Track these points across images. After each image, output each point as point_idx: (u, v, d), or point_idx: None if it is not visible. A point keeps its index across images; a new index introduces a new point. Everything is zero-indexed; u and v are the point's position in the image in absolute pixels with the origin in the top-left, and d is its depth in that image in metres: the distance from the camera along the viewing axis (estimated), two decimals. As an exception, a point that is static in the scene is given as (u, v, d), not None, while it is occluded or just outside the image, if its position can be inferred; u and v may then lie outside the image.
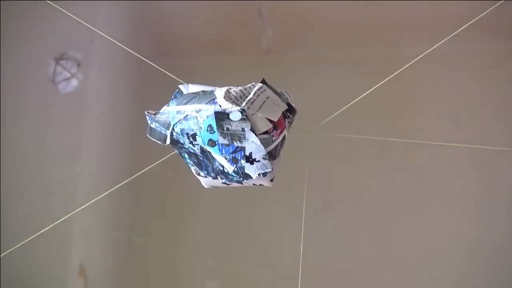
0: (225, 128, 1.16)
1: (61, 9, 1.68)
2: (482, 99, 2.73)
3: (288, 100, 1.22)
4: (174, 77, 1.33)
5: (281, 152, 1.21)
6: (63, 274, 2.42)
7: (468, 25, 1.45)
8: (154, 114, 1.25)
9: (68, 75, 2.21)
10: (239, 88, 1.18)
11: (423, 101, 2.80)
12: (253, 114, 1.15)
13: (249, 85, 1.19)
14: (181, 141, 1.22)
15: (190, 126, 1.19)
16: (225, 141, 1.17)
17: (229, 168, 1.20)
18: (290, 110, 1.22)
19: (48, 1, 1.67)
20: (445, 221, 2.80)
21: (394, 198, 2.86)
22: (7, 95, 2.46)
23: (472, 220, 2.78)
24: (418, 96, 2.77)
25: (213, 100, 1.18)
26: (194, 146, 1.21)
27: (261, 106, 1.16)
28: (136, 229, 2.96)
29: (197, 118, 1.18)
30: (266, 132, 1.16)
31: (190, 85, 1.26)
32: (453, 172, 2.78)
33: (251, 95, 1.17)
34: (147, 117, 1.25)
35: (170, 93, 1.27)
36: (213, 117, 1.16)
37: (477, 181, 2.81)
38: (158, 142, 1.25)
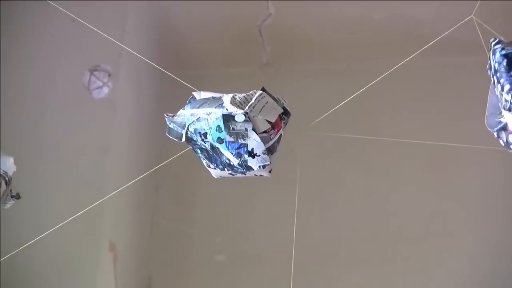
0: (231, 128, 1.16)
1: (96, 29, 1.68)
2: (445, 104, 2.73)
3: (284, 105, 1.22)
4: (189, 86, 1.33)
5: (278, 148, 1.21)
6: (96, 249, 2.43)
7: (431, 44, 1.45)
8: (172, 116, 1.25)
9: (100, 84, 2.21)
10: (243, 94, 1.18)
11: (397, 105, 2.81)
12: (254, 116, 1.15)
13: (251, 92, 1.19)
14: (194, 139, 1.22)
15: (202, 126, 1.19)
16: (231, 139, 1.17)
17: (234, 161, 1.20)
18: (286, 113, 1.22)
19: (84, 22, 1.67)
20: (411, 200, 2.83)
21: (371, 184, 2.87)
22: (52, 101, 2.47)
23: (434, 199, 2.81)
24: (392, 102, 2.78)
25: (221, 105, 1.18)
26: (205, 143, 1.21)
27: (261, 109, 1.16)
28: (157, 212, 2.96)
29: (208, 120, 1.18)
30: (265, 131, 1.16)
31: (202, 92, 1.26)
32: (418, 162, 2.81)
33: (252, 101, 1.17)
34: (166, 119, 1.25)
35: (186, 99, 1.27)
36: (221, 119, 1.16)
37: (439, 171, 2.83)
38: (175, 139, 1.25)
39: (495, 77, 1.09)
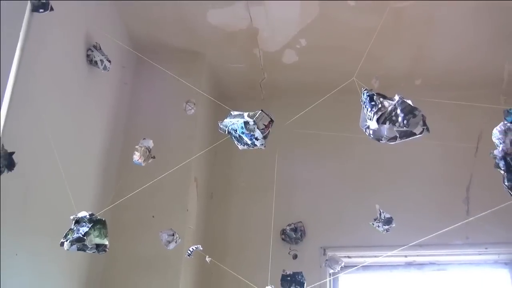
0: (247, 128, 1.16)
1: (190, 85, 1.67)
2: (348, 118, 2.68)
3: (271, 116, 1.22)
4: (228, 108, 1.33)
5: (268, 135, 1.22)
6: (188, 181, 2.43)
7: (336, 90, 1.43)
8: (221, 122, 1.25)
9: (190, 108, 2.20)
10: (252, 112, 1.19)
11: (326, 118, 2.67)
12: (258, 122, 1.16)
13: (256, 111, 1.19)
14: (232, 132, 1.22)
15: (234, 127, 1.19)
16: (247, 132, 1.17)
17: (249, 142, 1.20)
18: (272, 121, 1.21)
19: (179, 78, 1.66)
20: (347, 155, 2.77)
21: (317, 152, 2.83)
22: (168, 116, 2.48)
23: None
24: (323, 116, 2.64)
25: (243, 117, 1.18)
26: (236, 134, 1.21)
27: (261, 119, 1.17)
28: (215, 163, 2.95)
29: (237, 124, 1.18)
30: (263, 129, 1.16)
31: (234, 111, 1.26)
32: (340, 148, 2.76)
33: (257, 115, 1.17)
34: (219, 123, 1.25)
35: (227, 114, 1.27)
36: (243, 124, 1.16)
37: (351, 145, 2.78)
38: (223, 133, 1.25)
39: (363, 105, 1.09)
